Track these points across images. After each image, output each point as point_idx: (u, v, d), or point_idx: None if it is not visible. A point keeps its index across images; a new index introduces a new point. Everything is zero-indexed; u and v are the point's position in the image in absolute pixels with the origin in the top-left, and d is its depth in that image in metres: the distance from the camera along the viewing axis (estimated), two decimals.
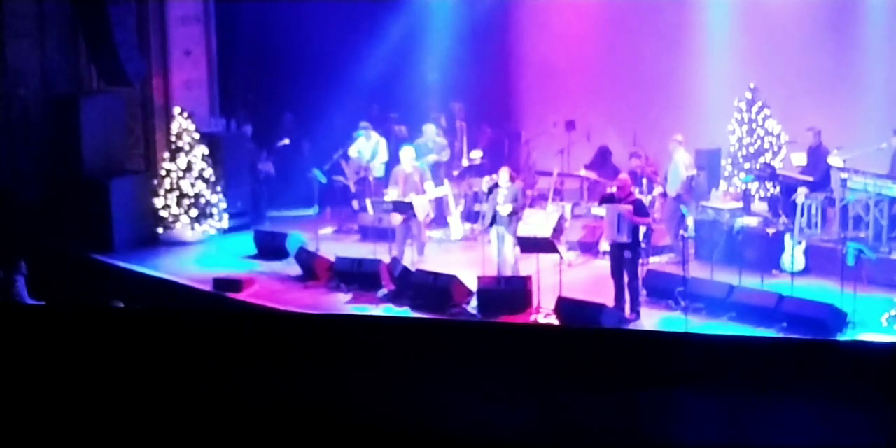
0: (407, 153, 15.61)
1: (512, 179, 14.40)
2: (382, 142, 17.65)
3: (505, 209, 14.18)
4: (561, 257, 13.86)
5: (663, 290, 13.74)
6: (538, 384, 4.96)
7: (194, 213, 17.12)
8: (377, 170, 17.42)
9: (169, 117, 17.35)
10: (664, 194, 15.76)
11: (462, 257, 15.71)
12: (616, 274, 13.45)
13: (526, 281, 13.79)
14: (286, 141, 19.01)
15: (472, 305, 13.90)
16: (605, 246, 15.45)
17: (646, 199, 15.26)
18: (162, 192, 17.13)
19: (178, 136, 17.10)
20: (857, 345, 8.91)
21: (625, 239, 13.23)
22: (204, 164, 17.16)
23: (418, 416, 4.95)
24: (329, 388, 5.14)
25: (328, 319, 8.00)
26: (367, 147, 17.50)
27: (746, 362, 4.82)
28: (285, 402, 5.11)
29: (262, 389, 5.19)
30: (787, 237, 14.53)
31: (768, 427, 4.66)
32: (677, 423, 4.76)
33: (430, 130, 17.46)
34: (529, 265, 13.95)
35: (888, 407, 4.68)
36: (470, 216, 16.99)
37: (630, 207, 13.26)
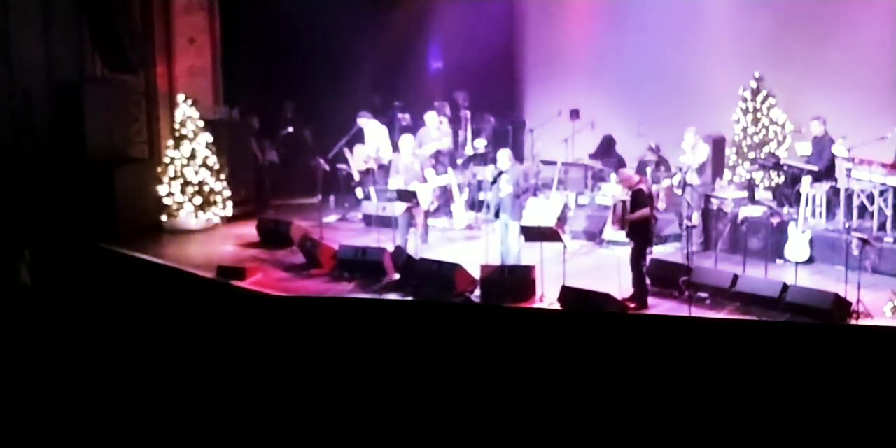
0: (406, 142, 15.57)
1: (512, 162, 14.39)
2: (384, 130, 17.61)
3: (505, 190, 14.14)
4: (565, 246, 13.83)
5: (668, 279, 13.72)
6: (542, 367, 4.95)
7: (198, 200, 17.12)
8: (380, 158, 17.40)
9: (173, 105, 17.35)
10: (683, 184, 15.64)
11: (465, 246, 15.72)
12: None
13: (529, 270, 13.77)
14: (290, 129, 18.99)
15: (476, 294, 13.88)
16: (608, 235, 15.44)
17: (657, 188, 15.16)
18: (166, 179, 17.14)
19: (182, 124, 17.09)
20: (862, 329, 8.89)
21: (615, 229, 13.36)
22: (208, 152, 17.16)
23: (422, 397, 4.95)
24: (332, 369, 5.13)
25: (332, 302, 8.01)
26: (370, 136, 17.46)
27: (751, 345, 4.81)
28: (289, 385, 5.10)
29: (268, 372, 5.19)
30: (791, 226, 14.51)
31: (774, 409, 4.66)
32: (682, 406, 4.75)
33: (431, 119, 17.42)
34: (533, 254, 13.93)
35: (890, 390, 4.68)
36: (474, 205, 16.99)
37: (626, 199, 13.25)
